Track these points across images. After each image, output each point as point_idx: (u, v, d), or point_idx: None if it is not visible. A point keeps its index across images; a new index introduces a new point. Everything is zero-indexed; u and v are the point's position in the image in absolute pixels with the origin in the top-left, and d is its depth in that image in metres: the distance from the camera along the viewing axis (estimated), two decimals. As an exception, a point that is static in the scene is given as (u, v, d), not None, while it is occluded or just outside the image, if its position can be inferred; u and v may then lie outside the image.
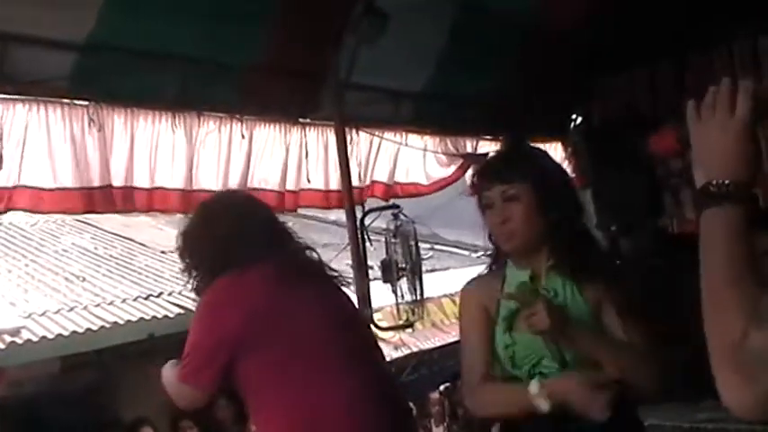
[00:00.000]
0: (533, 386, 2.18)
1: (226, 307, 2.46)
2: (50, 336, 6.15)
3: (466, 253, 12.08)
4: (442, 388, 5.02)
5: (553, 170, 2.44)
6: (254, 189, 4.28)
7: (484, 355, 2.35)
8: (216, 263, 2.52)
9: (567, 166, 6.58)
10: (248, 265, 2.48)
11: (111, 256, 8.33)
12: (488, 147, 5.99)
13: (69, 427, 6.54)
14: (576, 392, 2.15)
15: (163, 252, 8.61)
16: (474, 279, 2.49)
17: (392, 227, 5.03)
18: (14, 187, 3.40)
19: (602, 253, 2.50)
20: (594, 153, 6.23)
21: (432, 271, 5.17)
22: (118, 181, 3.75)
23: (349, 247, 4.92)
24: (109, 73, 3.52)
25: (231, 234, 2.54)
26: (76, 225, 9.39)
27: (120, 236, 9.16)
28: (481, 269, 2.53)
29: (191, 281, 2.60)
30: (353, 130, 4.77)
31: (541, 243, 2.32)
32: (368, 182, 4.97)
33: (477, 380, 2.34)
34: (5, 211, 3.53)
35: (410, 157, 5.39)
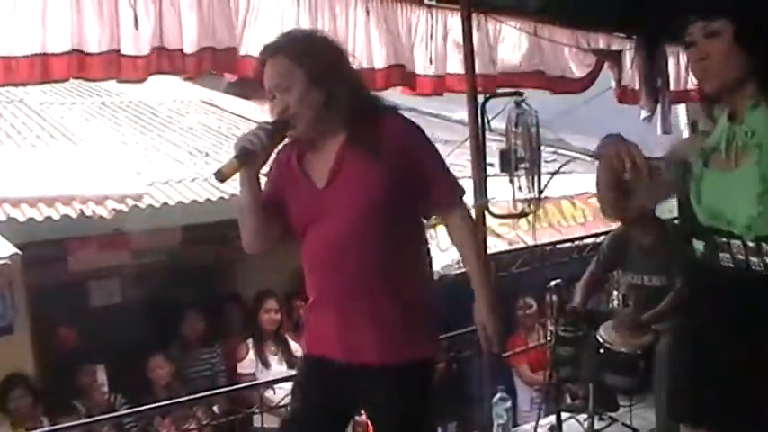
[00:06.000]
0: None
1: None
2: (171, 203, 6.28)
3: (590, 160, 11.75)
4: (552, 284, 4.93)
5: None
6: (375, 69, 4.17)
7: None
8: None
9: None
10: None
11: (234, 135, 8.43)
12: (622, 44, 5.71)
13: (190, 298, 6.77)
14: None
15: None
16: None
17: (513, 115, 4.77)
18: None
19: None
20: None
21: (554, 173, 5.02)
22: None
23: (468, 143, 4.78)
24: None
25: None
26: (202, 106, 9.53)
27: (245, 117, 9.27)
28: None
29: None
30: (480, 16, 4.58)
31: (743, 83, 2.12)
32: (494, 72, 4.76)
33: None
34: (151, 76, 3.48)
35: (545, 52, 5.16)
